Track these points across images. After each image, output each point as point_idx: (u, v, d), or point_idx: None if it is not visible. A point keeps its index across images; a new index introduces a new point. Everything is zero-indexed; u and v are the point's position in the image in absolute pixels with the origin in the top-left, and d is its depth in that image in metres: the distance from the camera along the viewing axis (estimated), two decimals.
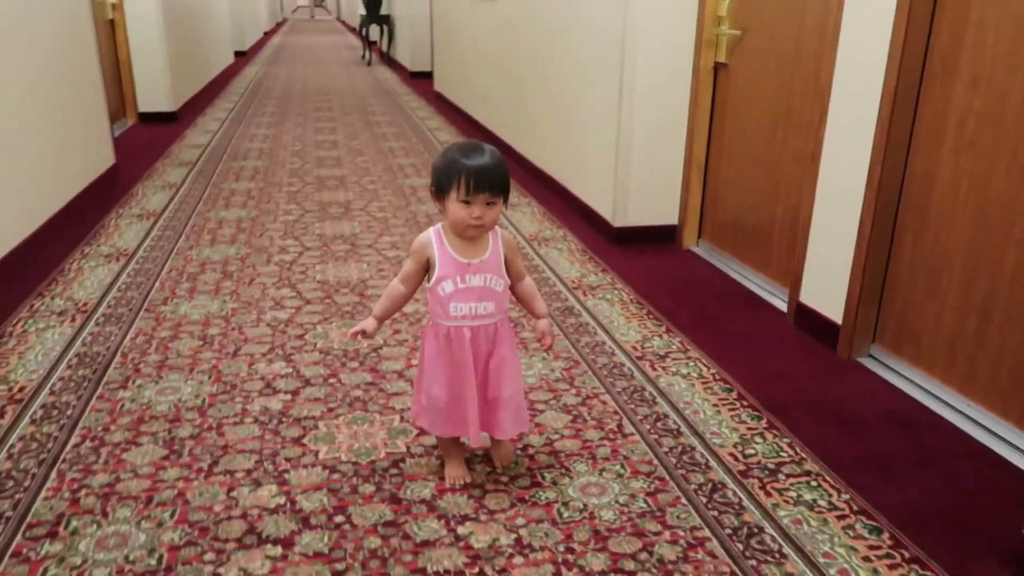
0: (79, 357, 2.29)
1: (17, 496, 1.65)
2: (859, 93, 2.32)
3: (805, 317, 2.63)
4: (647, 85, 3.29)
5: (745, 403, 2.14)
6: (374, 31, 12.79)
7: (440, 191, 1.58)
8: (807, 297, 2.62)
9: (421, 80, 9.60)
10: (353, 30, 18.19)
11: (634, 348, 2.46)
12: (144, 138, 5.68)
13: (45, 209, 3.37)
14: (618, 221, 3.48)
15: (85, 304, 2.67)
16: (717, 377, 2.28)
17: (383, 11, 11.97)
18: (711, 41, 3.21)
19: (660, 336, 2.55)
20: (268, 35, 18.08)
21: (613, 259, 3.29)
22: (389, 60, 12.11)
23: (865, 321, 2.41)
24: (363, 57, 12.39)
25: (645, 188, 3.44)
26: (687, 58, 3.29)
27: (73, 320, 2.54)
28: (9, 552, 1.50)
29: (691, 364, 2.36)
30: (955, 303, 2.13)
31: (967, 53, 2.05)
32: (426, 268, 1.65)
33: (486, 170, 1.54)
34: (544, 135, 4.51)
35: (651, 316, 2.71)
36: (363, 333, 1.67)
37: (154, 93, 6.34)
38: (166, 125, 6.21)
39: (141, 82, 6.28)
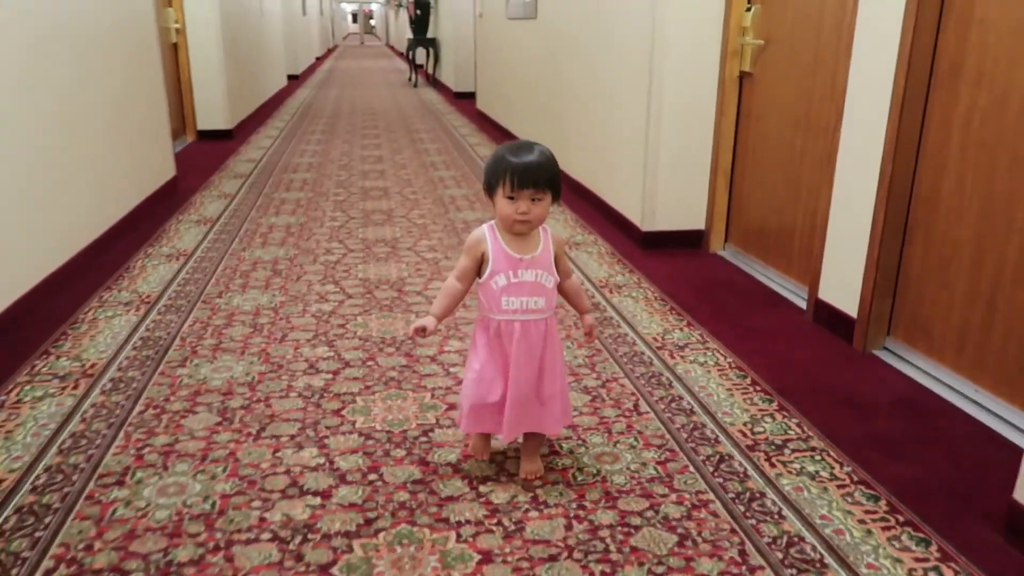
0: (143, 340, 2.51)
1: (90, 452, 1.86)
2: (871, 96, 2.43)
3: (823, 312, 2.72)
4: (675, 95, 3.43)
5: (758, 388, 2.25)
6: (420, 54, 13.19)
7: (489, 188, 1.64)
8: (825, 293, 2.72)
9: (464, 100, 9.88)
10: (401, 55, 18.69)
11: (655, 339, 2.58)
12: (202, 153, 6.01)
13: (114, 213, 3.64)
14: (646, 226, 3.62)
15: (148, 296, 2.91)
16: (733, 365, 2.39)
17: (429, 34, 12.34)
18: (736, 51, 3.35)
19: (680, 329, 2.67)
20: (320, 60, 18.70)
21: (640, 261, 3.42)
22: (434, 82, 12.45)
23: (879, 314, 2.50)
24: (409, 79, 12.77)
25: (673, 194, 3.57)
26: (713, 68, 3.43)
27: (138, 309, 2.77)
28: (84, 495, 1.69)
29: (708, 353, 2.48)
30: (963, 293, 2.22)
31: (972, 52, 2.15)
32: (480, 263, 1.67)
33: (532, 166, 1.58)
34: (578, 146, 4.67)
35: (673, 311, 2.83)
36: (423, 330, 1.66)
37: (212, 112, 6.70)
38: (222, 142, 6.55)
39: (200, 102, 6.64)
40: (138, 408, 2.07)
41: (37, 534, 1.56)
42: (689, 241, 3.65)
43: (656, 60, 3.42)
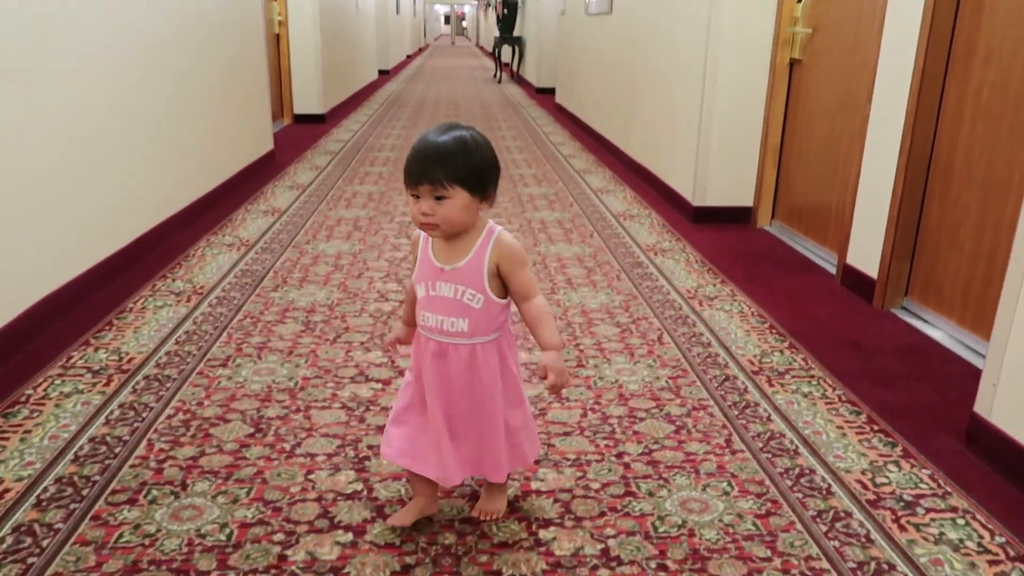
0: (243, 271, 2.95)
1: (107, 462, 1.68)
2: (896, 74, 2.64)
3: (849, 276, 2.93)
4: (728, 81, 3.68)
5: (774, 331, 2.50)
6: (506, 52, 13.62)
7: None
8: (852, 259, 2.93)
9: (545, 95, 10.22)
10: (489, 54, 19.19)
11: (688, 291, 2.85)
12: (297, 134, 6.55)
13: (222, 174, 4.14)
14: (697, 201, 3.87)
15: (248, 240, 3.36)
16: (756, 314, 2.65)
17: (516, 33, 12.75)
18: (787, 40, 3.57)
19: (713, 285, 2.93)
20: (410, 58, 19.41)
21: (689, 233, 3.68)
22: (518, 78, 12.86)
23: (897, 275, 2.70)
24: (495, 76, 13.21)
25: (724, 172, 3.82)
26: (765, 56, 3.66)
27: (239, 250, 3.23)
28: (90, 515, 1.51)
29: (735, 304, 2.73)
30: (969, 252, 2.41)
31: (984, 31, 2.35)
32: None
33: (431, 156, 1.27)
34: (640, 131, 4.94)
35: (710, 271, 3.09)
36: (398, 342, 1.51)
37: (308, 98, 7.26)
38: (316, 125, 7.09)
39: (297, 88, 7.21)
40: (238, 317, 2.49)
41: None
42: (737, 217, 3.88)
43: (711, 49, 3.67)
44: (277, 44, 6.95)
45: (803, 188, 3.52)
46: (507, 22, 12.67)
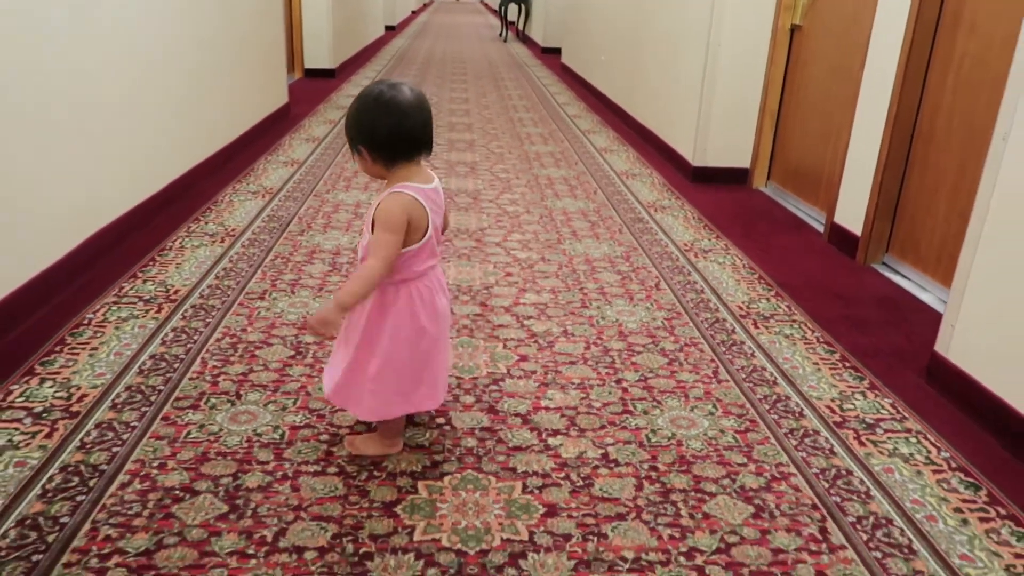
0: (269, 217, 3.16)
1: (168, 375, 1.91)
2: (887, 44, 2.82)
3: (836, 234, 3.14)
4: (731, 45, 3.84)
5: (763, 281, 2.72)
6: (512, 11, 13.60)
7: None
8: (839, 218, 3.13)
9: (551, 55, 10.30)
10: (494, 11, 19.09)
11: (685, 245, 3.06)
12: (310, 88, 6.69)
13: (242, 125, 4.32)
14: (697, 161, 4.06)
15: (271, 188, 3.56)
16: (747, 266, 2.86)
17: None
18: (790, 5, 3.72)
19: (709, 240, 3.14)
20: (415, 13, 19.31)
21: (688, 191, 3.88)
22: (524, 38, 12.88)
23: (880, 234, 2.91)
24: (500, 35, 13.23)
25: (723, 134, 4.00)
26: (767, 21, 3.81)
27: (263, 197, 3.42)
28: (160, 416, 1.74)
29: (728, 257, 2.95)
30: (944, 213, 2.62)
31: (967, 6, 2.52)
32: None
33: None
34: (644, 94, 5.11)
35: (707, 227, 3.30)
36: None
37: (318, 52, 7.37)
38: (326, 80, 7.22)
39: (309, 43, 7.32)
40: (269, 257, 2.71)
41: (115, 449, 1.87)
42: (735, 177, 4.07)
43: (716, 13, 3.82)
44: (288, 1, 7.04)
45: (798, 151, 3.71)
46: None
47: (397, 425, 1.65)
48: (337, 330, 1.54)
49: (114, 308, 2.25)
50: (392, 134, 1.47)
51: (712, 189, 3.96)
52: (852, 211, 3.04)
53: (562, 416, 1.82)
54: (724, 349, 2.19)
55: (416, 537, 1.41)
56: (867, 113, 2.95)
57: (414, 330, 1.55)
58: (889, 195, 2.87)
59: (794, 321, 2.40)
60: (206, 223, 3.03)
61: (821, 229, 3.33)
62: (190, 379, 1.90)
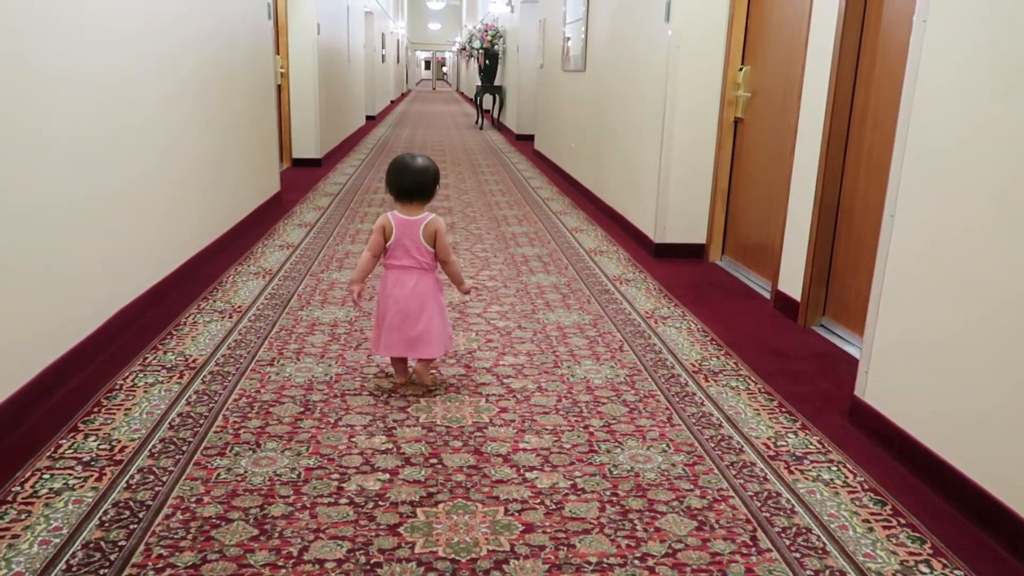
0: (271, 296, 3.49)
1: (195, 429, 2.21)
2: (811, 134, 3.28)
3: (780, 300, 3.53)
4: (684, 135, 4.32)
5: (714, 342, 3.08)
6: (487, 100, 14.35)
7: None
8: (782, 285, 3.53)
9: (524, 142, 10.91)
10: (469, 100, 19.99)
11: (646, 313, 3.43)
12: (298, 176, 7.13)
13: (242, 211, 4.69)
14: (658, 239, 4.48)
15: (271, 270, 3.90)
16: (701, 330, 3.22)
17: (496, 82, 13.50)
18: (732, 101, 4.22)
19: (668, 308, 3.51)
20: (394, 103, 20.17)
21: (650, 266, 4.28)
22: (499, 126, 13.58)
23: (816, 298, 3.30)
24: (476, 122, 13.93)
25: (680, 213, 4.43)
26: (714, 115, 4.31)
27: (264, 278, 3.76)
28: (192, 462, 2.03)
29: (684, 322, 3.31)
30: (866, 278, 3.01)
31: (872, 101, 2.99)
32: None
33: None
34: (610, 178, 5.58)
35: (666, 297, 3.68)
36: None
37: (306, 143, 7.86)
38: (313, 168, 7.67)
39: (297, 133, 7.81)
40: (275, 330, 3.03)
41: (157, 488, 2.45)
42: (693, 252, 4.49)
43: (668, 107, 4.31)
44: (279, 94, 7.55)
45: (746, 227, 4.14)
46: (488, 72, 13.43)
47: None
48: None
49: (141, 375, 2.55)
50: (394, 186, 2.49)
51: (672, 263, 4.36)
52: (792, 279, 3.44)
53: (537, 455, 2.13)
54: (678, 399, 2.53)
55: (417, 550, 1.70)
56: (799, 193, 3.38)
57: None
58: (821, 264, 3.27)
59: (740, 375, 2.75)
60: (214, 301, 3.36)
61: (768, 296, 3.72)
62: (215, 432, 2.20)
